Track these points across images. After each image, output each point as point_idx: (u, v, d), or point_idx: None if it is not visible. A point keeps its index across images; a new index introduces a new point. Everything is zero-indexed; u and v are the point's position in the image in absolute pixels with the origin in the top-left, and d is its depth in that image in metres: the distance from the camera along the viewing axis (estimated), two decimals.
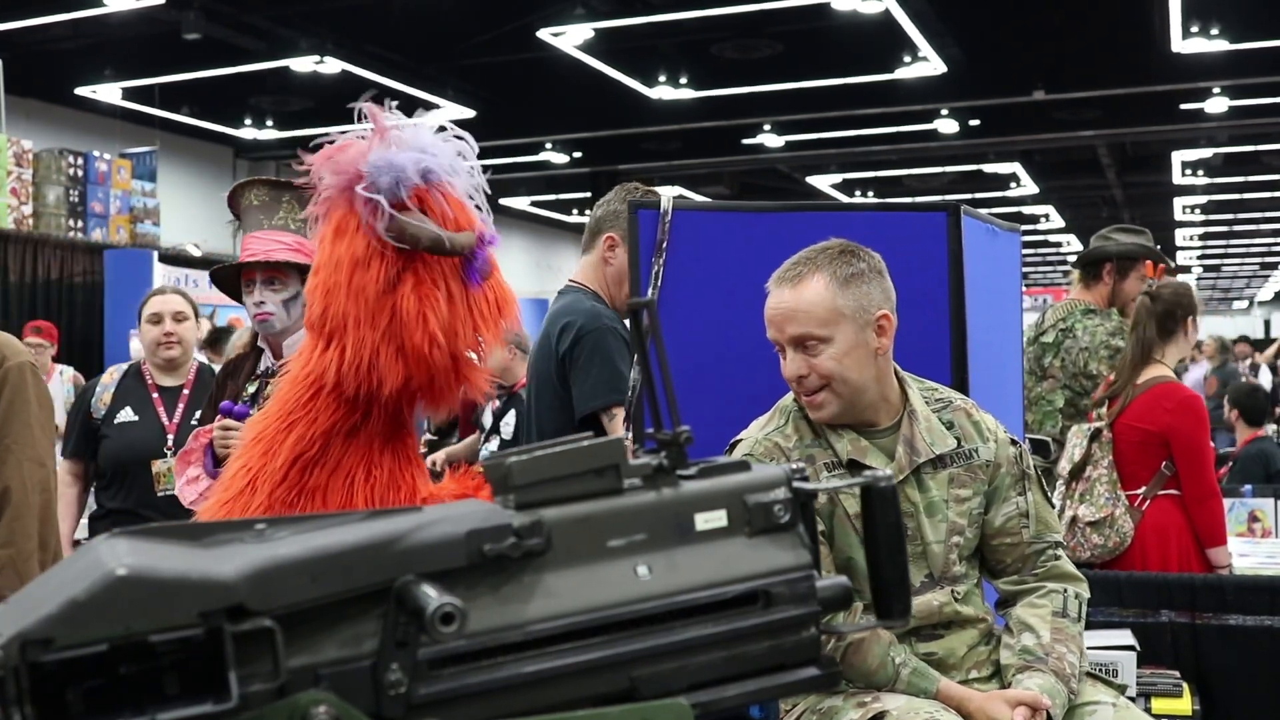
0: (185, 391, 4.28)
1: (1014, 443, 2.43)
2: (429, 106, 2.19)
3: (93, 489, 4.34)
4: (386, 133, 1.99)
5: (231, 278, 3.14)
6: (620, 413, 3.07)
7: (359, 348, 1.99)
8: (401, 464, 2.15)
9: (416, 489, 2.16)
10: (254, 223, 3.09)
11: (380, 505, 2.09)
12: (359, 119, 2.06)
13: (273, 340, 3.13)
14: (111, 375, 4.41)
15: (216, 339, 7.61)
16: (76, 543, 4.29)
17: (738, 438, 2.41)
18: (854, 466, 2.29)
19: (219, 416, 3.11)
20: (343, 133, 2.05)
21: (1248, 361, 14.82)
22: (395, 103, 2.07)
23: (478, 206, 2.08)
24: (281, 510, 2.07)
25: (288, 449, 2.08)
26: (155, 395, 4.26)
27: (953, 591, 2.32)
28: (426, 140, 2.02)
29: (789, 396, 2.41)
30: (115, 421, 4.20)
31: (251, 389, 3.18)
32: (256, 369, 3.22)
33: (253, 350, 3.26)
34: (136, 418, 4.19)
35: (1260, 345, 18.60)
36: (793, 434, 2.34)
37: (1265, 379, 14.26)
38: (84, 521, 4.44)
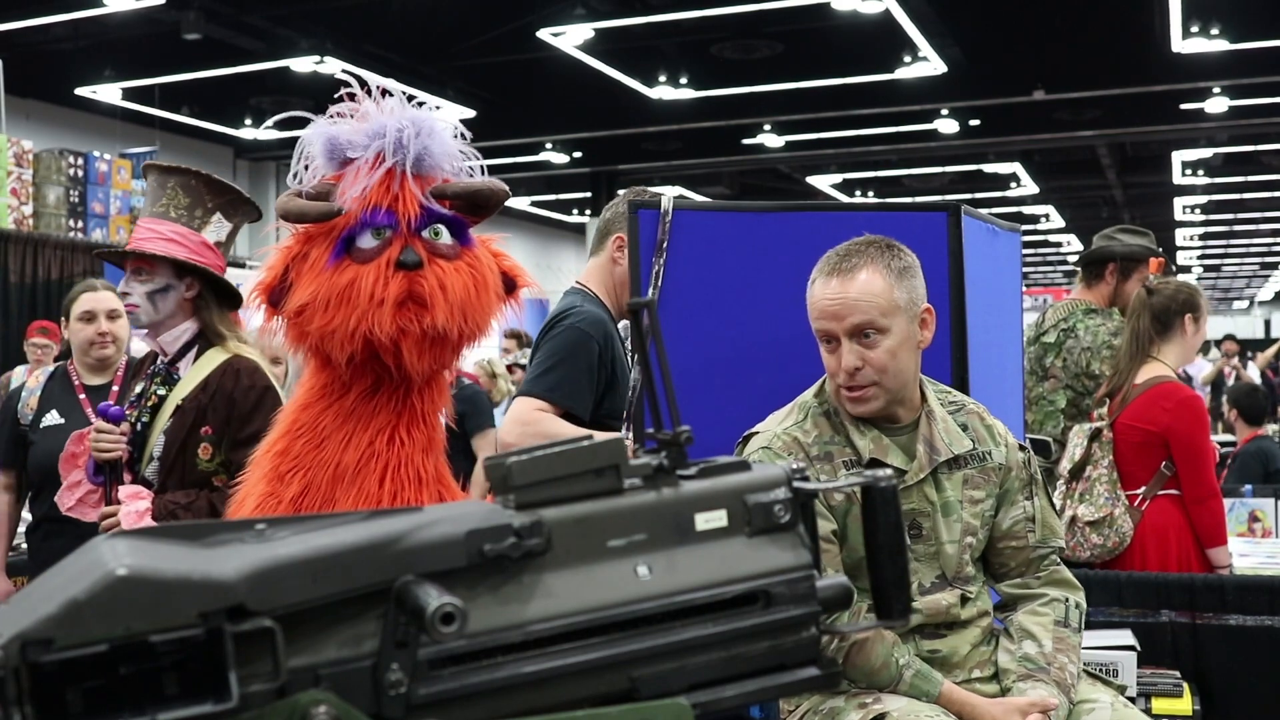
0: (114, 389, 3.94)
1: (1022, 448, 2.44)
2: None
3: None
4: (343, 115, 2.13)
5: (121, 264, 3.05)
6: (529, 403, 3.01)
7: (309, 315, 2.10)
8: (426, 451, 2.19)
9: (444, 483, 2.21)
10: (144, 208, 3.01)
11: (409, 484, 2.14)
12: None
13: (154, 337, 3.03)
14: (37, 378, 4.19)
15: None
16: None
17: (752, 430, 2.40)
18: (875, 465, 2.28)
19: (96, 417, 3.01)
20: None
21: (1235, 359, 14.79)
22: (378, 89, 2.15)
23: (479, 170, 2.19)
24: (320, 494, 2.13)
25: (323, 429, 2.15)
26: (82, 396, 3.98)
27: (963, 593, 2.32)
28: (378, 120, 2.11)
29: (808, 393, 2.40)
30: (41, 426, 3.93)
31: (138, 388, 3.09)
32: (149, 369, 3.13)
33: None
34: (63, 420, 3.90)
35: (1259, 345, 18.57)
36: (812, 430, 2.33)
37: (1254, 375, 14.27)
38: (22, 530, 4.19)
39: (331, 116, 2.16)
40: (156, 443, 2.98)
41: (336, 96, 2.16)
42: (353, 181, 2.07)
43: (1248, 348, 17.29)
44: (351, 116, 2.15)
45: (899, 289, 2.27)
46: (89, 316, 4.03)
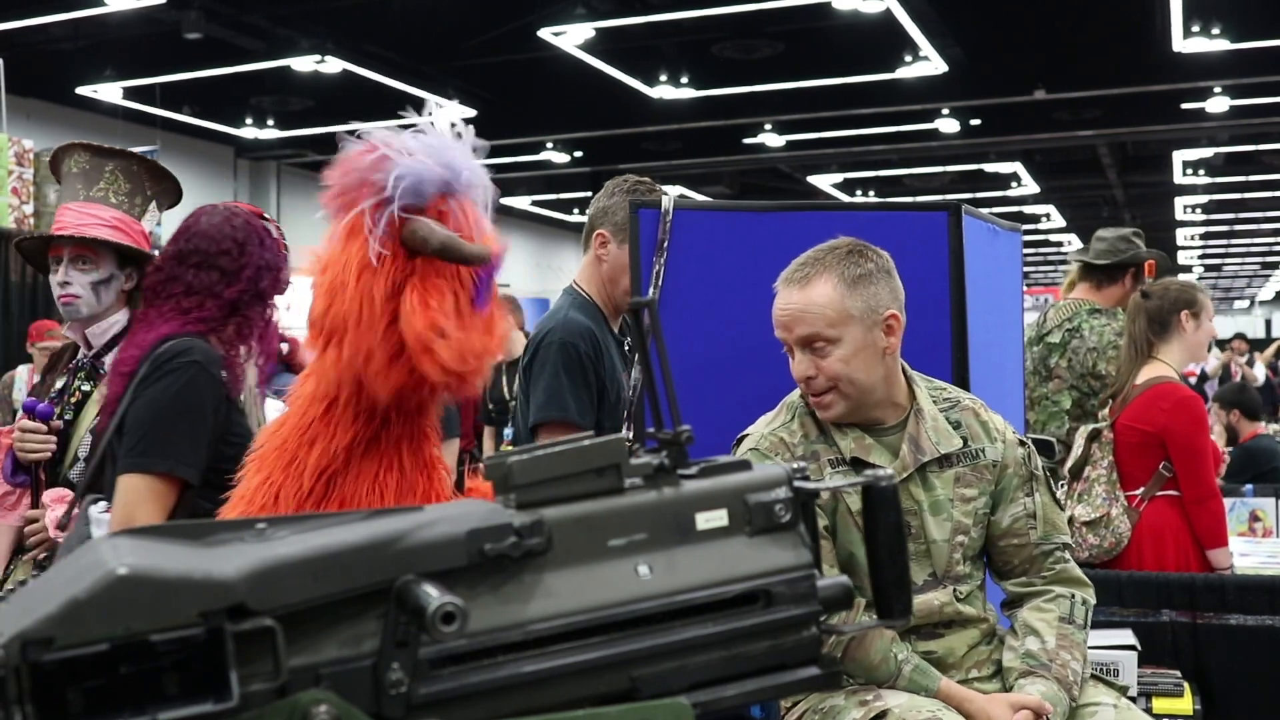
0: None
1: (1022, 443, 2.43)
2: (423, 105, 2.18)
3: None
4: (405, 143, 1.98)
5: (40, 250, 2.84)
6: (559, 431, 2.96)
7: (356, 348, 1.97)
8: (425, 466, 2.15)
9: (444, 494, 2.17)
10: (71, 192, 2.79)
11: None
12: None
13: (79, 328, 2.82)
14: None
15: None
16: None
17: (744, 433, 2.42)
18: (857, 464, 2.29)
19: (20, 415, 2.83)
20: (370, 130, 2.04)
21: (1244, 358, 14.77)
22: (408, 109, 2.06)
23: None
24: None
25: (312, 464, 2.06)
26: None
27: (955, 591, 2.32)
28: (453, 153, 2.00)
29: (796, 393, 2.40)
30: None
31: (60, 384, 2.89)
32: (72, 362, 2.92)
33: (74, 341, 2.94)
34: None
35: (1260, 345, 18.56)
36: (798, 430, 2.34)
37: (1259, 373, 14.25)
38: None
39: (337, 122, 2.09)
40: (81, 442, 2.77)
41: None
42: (474, 223, 1.95)
43: (1251, 347, 17.24)
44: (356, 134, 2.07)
45: (852, 298, 2.25)
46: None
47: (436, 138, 1.97)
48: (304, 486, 2.05)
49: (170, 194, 2.99)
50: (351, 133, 1.97)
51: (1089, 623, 2.38)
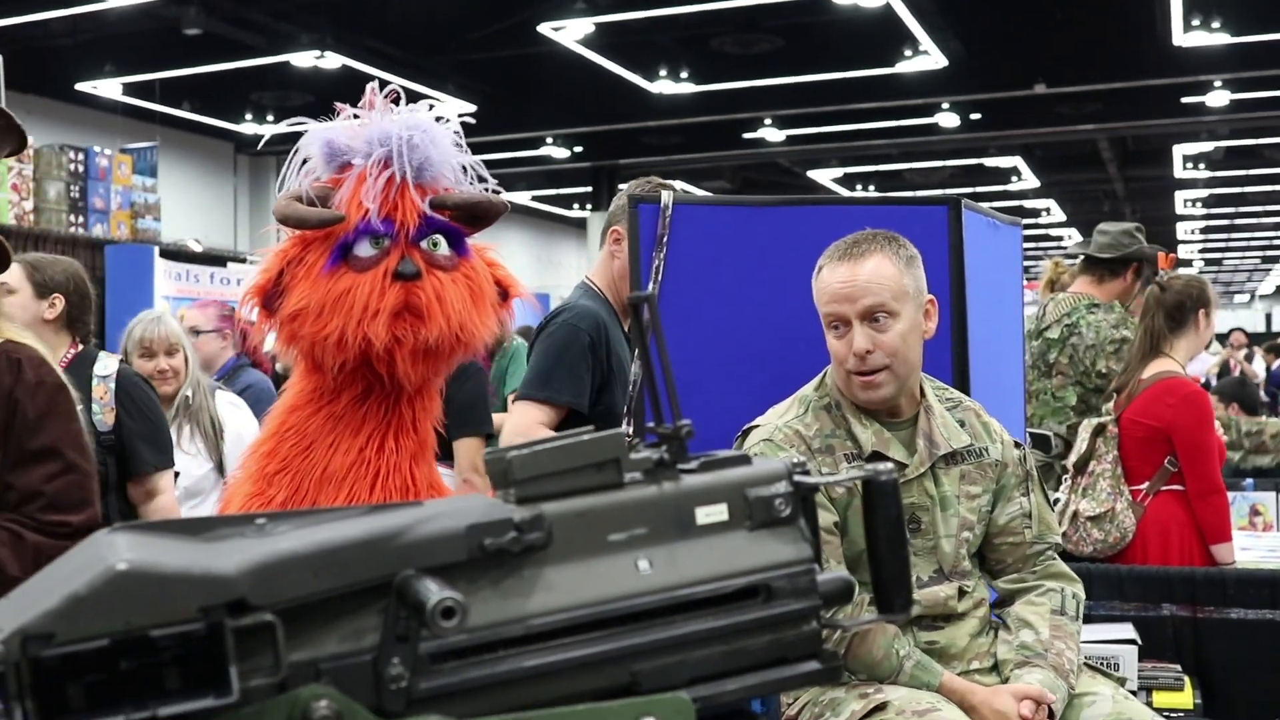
0: None
1: (1017, 445, 2.46)
2: (430, 102, 2.22)
3: None
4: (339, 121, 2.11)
5: None
6: (532, 410, 3.03)
7: (304, 320, 2.09)
8: (415, 459, 2.17)
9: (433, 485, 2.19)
10: None
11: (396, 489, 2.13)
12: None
13: None
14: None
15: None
16: None
17: (753, 424, 2.41)
18: (876, 458, 2.29)
19: None
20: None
21: (1243, 352, 14.76)
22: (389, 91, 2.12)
23: (481, 178, 2.18)
24: (308, 498, 2.11)
25: (310, 432, 2.14)
26: None
27: (961, 587, 2.32)
28: (377, 128, 2.09)
29: (809, 386, 2.40)
30: None
31: None
32: None
33: None
34: None
35: (1260, 340, 18.53)
36: (813, 423, 2.34)
37: (1259, 367, 14.25)
38: None
39: (334, 115, 2.15)
40: None
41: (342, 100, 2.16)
42: (353, 188, 2.05)
43: (1250, 342, 17.22)
44: (356, 118, 2.14)
45: (907, 276, 2.29)
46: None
47: (377, 116, 2.09)
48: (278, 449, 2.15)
49: (6, 136, 2.19)
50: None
51: (1080, 614, 2.40)
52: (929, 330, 2.35)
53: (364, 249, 2.06)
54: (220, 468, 3.95)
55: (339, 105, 2.19)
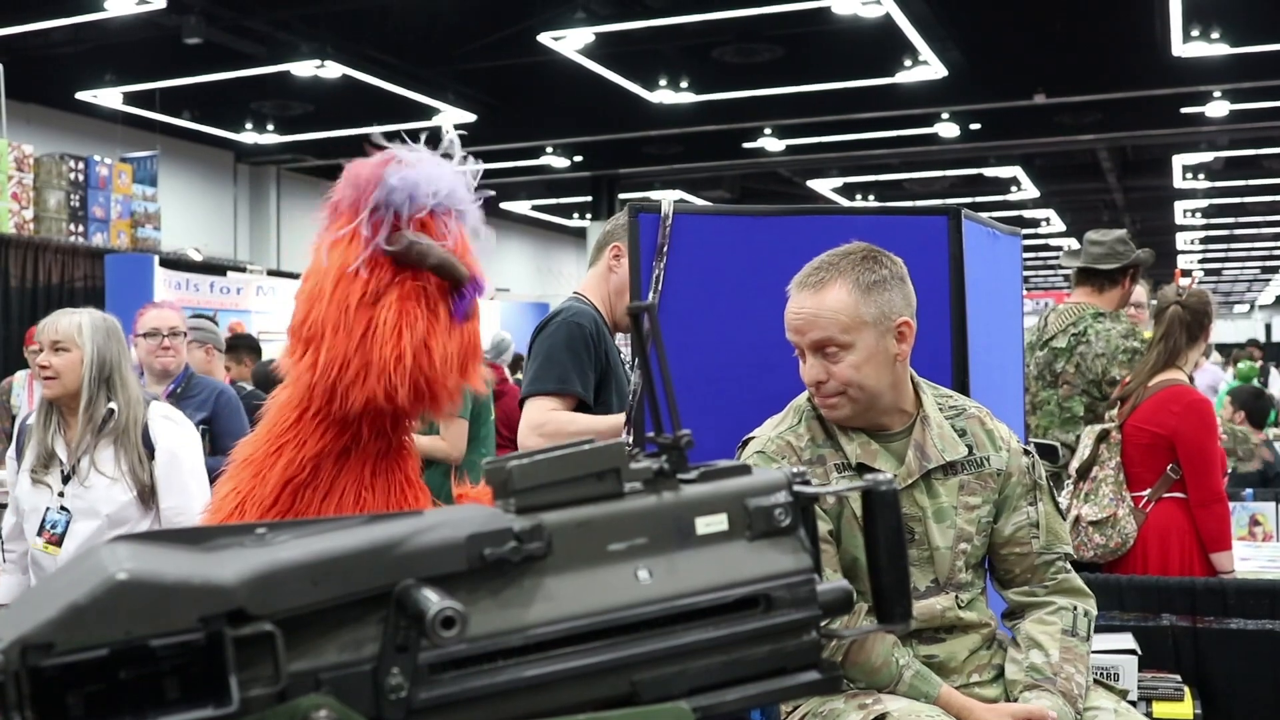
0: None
1: (1026, 452, 2.43)
2: (430, 111, 2.20)
3: None
4: (403, 156, 2.00)
5: None
6: (544, 402, 3.06)
7: (332, 356, 1.98)
8: (399, 486, 2.14)
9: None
10: None
11: None
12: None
13: None
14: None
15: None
16: None
17: (750, 435, 2.42)
18: (862, 469, 2.29)
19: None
20: (383, 134, 2.06)
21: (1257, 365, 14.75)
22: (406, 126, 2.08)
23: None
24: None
25: (278, 473, 2.06)
26: None
27: (957, 597, 2.32)
28: (442, 170, 2.02)
29: (803, 396, 2.40)
30: None
31: None
32: None
33: None
34: None
35: (1272, 351, 18.47)
36: (805, 434, 2.34)
37: (1275, 384, 14.22)
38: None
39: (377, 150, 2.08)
40: None
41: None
42: (460, 239, 2.02)
43: (1264, 355, 17.14)
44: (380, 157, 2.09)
45: (866, 304, 2.24)
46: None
47: (427, 157, 2.01)
48: (268, 496, 2.05)
49: None
50: (365, 138, 2.00)
51: (1091, 634, 2.37)
52: (902, 353, 2.29)
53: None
54: (146, 496, 3.49)
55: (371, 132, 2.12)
